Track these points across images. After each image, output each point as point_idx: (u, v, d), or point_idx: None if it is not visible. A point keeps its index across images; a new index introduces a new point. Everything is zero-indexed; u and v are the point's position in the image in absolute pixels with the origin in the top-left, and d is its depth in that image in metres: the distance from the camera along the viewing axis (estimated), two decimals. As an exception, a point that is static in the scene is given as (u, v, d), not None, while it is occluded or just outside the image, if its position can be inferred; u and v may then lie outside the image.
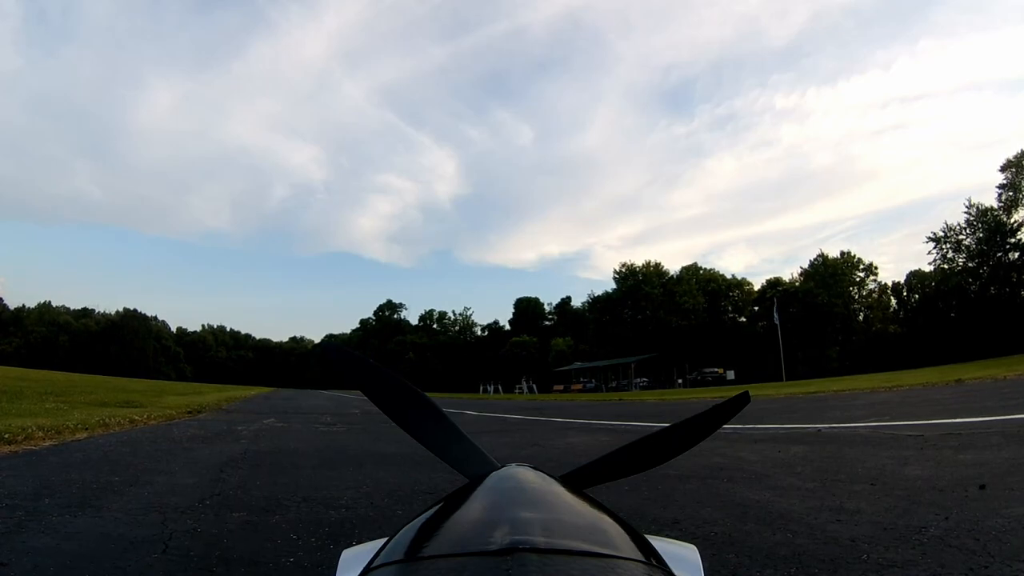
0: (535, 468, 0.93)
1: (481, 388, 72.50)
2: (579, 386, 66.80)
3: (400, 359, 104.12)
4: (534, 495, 0.81)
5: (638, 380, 58.93)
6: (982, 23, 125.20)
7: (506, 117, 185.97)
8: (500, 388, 72.15)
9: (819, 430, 8.19)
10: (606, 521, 0.72)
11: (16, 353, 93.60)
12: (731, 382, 50.41)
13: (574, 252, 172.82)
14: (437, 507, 0.77)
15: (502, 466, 0.95)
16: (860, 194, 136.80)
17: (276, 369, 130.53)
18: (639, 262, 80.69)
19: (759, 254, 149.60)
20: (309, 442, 8.95)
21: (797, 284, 75.35)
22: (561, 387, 69.07)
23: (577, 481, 0.96)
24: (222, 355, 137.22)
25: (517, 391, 67.84)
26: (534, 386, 69.76)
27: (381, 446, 8.09)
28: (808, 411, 11.97)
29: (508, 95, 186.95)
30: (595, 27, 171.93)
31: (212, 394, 29.59)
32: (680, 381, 57.42)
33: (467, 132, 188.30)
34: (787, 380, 45.42)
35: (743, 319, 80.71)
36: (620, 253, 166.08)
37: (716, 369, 57.48)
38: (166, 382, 57.20)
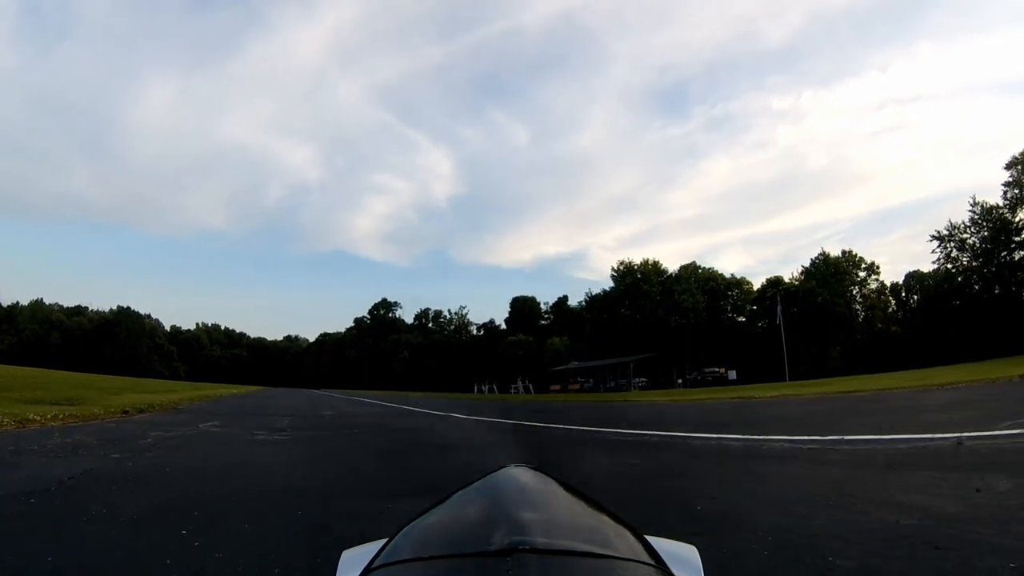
0: (535, 468, 0.96)
1: (476, 388, 70.49)
2: (576, 386, 65.33)
3: (395, 358, 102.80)
4: (534, 495, 0.82)
5: (636, 380, 57.64)
6: (977, 25, 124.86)
7: (502, 117, 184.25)
8: (495, 388, 70.01)
9: (959, 441, 6.11)
10: (606, 521, 0.73)
11: (8, 351, 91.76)
12: (732, 382, 49.00)
13: (570, 253, 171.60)
14: (437, 507, 0.77)
15: (502, 466, 0.96)
16: (856, 196, 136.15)
17: (270, 368, 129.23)
18: (637, 260, 79.42)
19: (755, 255, 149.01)
20: (206, 461, 7.05)
21: (798, 283, 74.28)
22: (558, 387, 67.49)
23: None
24: (216, 353, 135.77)
25: (513, 391, 66.09)
26: (530, 386, 67.82)
27: (300, 474, 6.12)
28: (882, 414, 10.31)
29: (504, 95, 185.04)
30: (590, 27, 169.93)
31: (183, 392, 28.53)
32: (680, 381, 56.16)
33: (463, 132, 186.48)
34: (790, 380, 44.39)
35: (742, 319, 79.67)
36: (616, 254, 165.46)
37: (717, 369, 56.20)
38: (148, 380, 55.84)
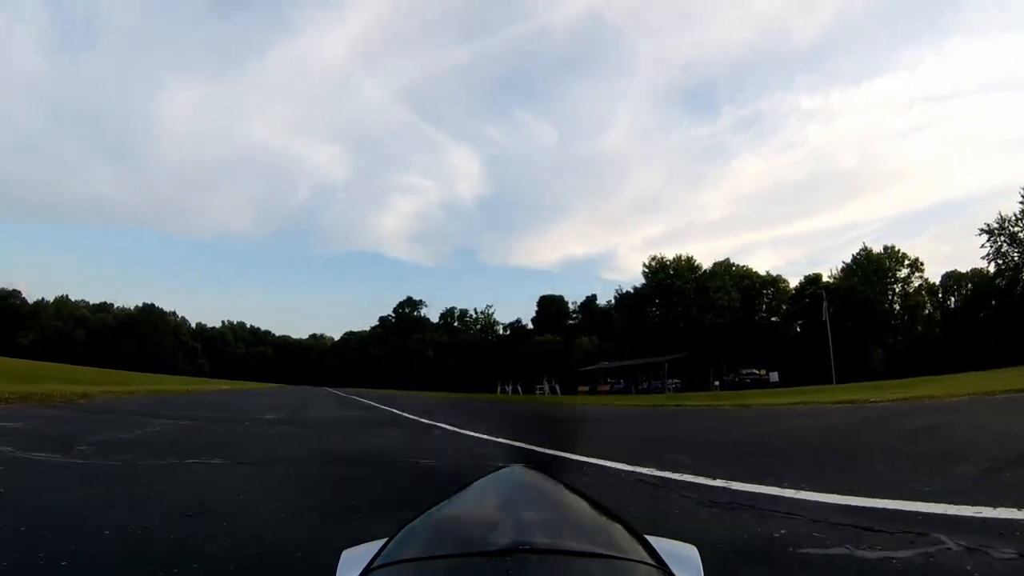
0: (535, 468, 0.96)
1: (499, 388, 68.67)
2: (606, 387, 63.15)
3: (419, 357, 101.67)
4: (534, 495, 0.83)
5: (670, 381, 55.32)
6: (1008, 21, 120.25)
7: (528, 117, 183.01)
8: (520, 389, 67.91)
9: None
10: (606, 521, 0.74)
11: (32, 346, 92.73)
12: (775, 384, 46.41)
13: (597, 253, 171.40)
14: (437, 507, 0.77)
15: (502, 466, 0.96)
16: (886, 196, 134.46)
17: (294, 366, 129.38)
18: (670, 256, 76.51)
19: (784, 256, 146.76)
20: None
21: (836, 280, 71.29)
22: (587, 388, 65.26)
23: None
24: (240, 351, 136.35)
25: (539, 391, 63.97)
26: (557, 386, 65.67)
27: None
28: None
29: (530, 95, 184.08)
30: (616, 26, 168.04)
31: (156, 386, 28.43)
32: (717, 383, 53.66)
33: (489, 132, 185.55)
34: (837, 383, 41.89)
35: (775, 319, 76.92)
36: (644, 254, 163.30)
37: (755, 370, 53.63)
38: (141, 374, 54.75)
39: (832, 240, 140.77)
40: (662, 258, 76.80)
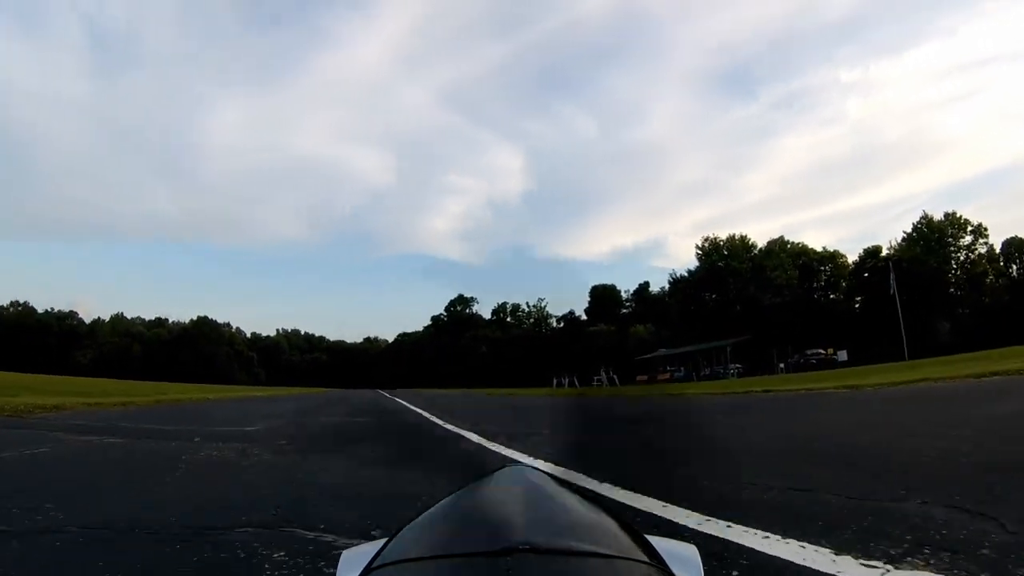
0: (535, 469, 0.96)
1: (555, 381, 66.11)
2: (666, 375, 62.30)
3: (473, 354, 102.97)
4: (534, 495, 0.81)
5: (732, 366, 54.78)
6: None
7: (568, 110, 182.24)
8: (576, 381, 65.56)
9: None
10: (606, 521, 0.73)
11: (90, 364, 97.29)
12: (843, 364, 45.33)
13: (646, 242, 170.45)
14: (437, 507, 0.77)
15: (502, 466, 0.96)
16: (934, 167, 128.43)
17: (349, 370, 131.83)
18: (723, 236, 75.03)
19: (834, 234, 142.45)
20: None
21: (897, 252, 69.17)
22: (645, 377, 64.43)
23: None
24: (295, 358, 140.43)
25: (596, 383, 62.15)
26: (615, 377, 63.91)
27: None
28: None
29: (568, 87, 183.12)
30: (650, 12, 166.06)
31: (188, 394, 29.18)
32: (782, 366, 52.53)
33: (531, 127, 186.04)
34: (909, 359, 40.94)
35: (833, 296, 75.21)
36: (693, 240, 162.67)
37: (820, 350, 52.36)
38: (191, 385, 56.21)
39: (881, 215, 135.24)
40: (715, 238, 75.38)
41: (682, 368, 62.90)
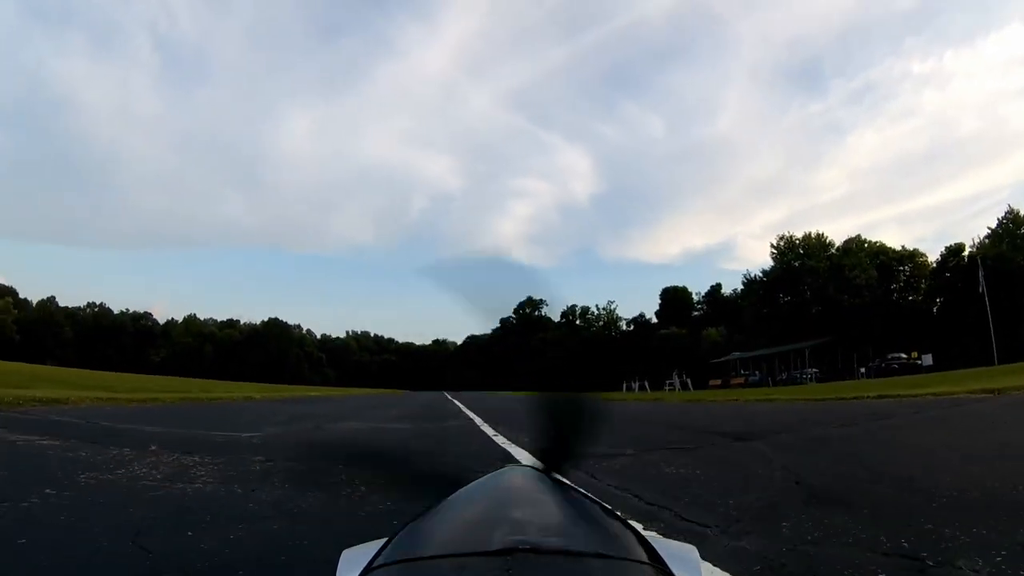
0: (535, 469, 0.96)
1: (624, 386, 65.18)
2: (740, 380, 61.63)
3: (541, 357, 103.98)
4: (534, 496, 0.81)
5: (810, 370, 53.58)
6: None
7: (635, 110, 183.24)
8: (647, 385, 64.49)
9: None
10: (606, 521, 0.73)
11: (163, 363, 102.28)
12: (928, 369, 43.89)
13: (717, 243, 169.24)
14: (438, 507, 0.77)
15: (503, 466, 0.97)
16: (1015, 159, 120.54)
17: (419, 372, 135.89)
18: (798, 235, 72.69)
19: (911, 232, 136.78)
20: None
21: (982, 249, 66.49)
22: (719, 381, 63.78)
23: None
24: (365, 359, 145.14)
25: (668, 388, 61.32)
26: (688, 381, 63.19)
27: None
28: None
29: (634, 87, 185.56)
30: (714, 9, 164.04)
31: (256, 393, 29.24)
32: (863, 371, 51.17)
33: (597, 128, 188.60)
34: (1000, 364, 39.80)
35: (912, 297, 72.74)
36: (764, 242, 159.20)
37: (902, 354, 50.62)
38: (254, 384, 56.26)
39: (961, 211, 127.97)
40: (791, 237, 73.09)
41: (756, 372, 62.42)
